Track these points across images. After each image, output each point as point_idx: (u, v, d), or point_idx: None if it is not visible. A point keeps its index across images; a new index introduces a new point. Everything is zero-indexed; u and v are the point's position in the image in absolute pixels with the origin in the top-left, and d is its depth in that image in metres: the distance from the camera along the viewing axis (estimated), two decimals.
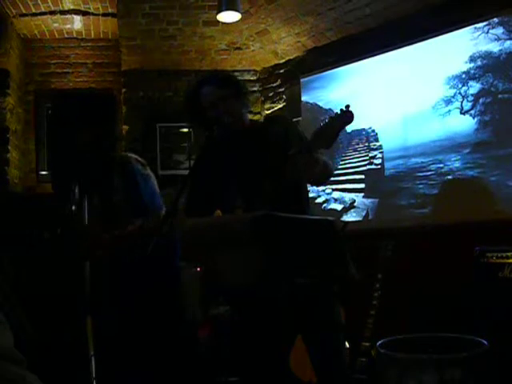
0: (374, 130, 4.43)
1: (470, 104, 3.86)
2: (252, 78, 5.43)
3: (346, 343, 3.62)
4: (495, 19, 3.73)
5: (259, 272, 1.79)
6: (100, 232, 2.81)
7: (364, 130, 4.47)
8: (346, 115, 1.94)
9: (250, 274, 1.82)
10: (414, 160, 4.15)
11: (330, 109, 4.66)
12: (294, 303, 2.17)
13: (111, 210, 2.94)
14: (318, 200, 4.67)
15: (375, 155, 4.39)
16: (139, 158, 3.07)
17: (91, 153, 2.96)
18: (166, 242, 2.67)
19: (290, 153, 2.03)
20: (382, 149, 4.37)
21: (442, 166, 3.98)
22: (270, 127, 2.41)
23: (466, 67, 3.88)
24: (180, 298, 3.05)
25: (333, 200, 4.61)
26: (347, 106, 1.95)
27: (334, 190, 4.60)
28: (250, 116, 2.59)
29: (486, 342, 2.33)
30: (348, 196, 4.55)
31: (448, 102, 3.97)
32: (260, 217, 1.76)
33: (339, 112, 1.94)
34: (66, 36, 5.28)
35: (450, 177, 3.93)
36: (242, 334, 2.50)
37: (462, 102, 3.90)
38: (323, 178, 2.38)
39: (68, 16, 4.87)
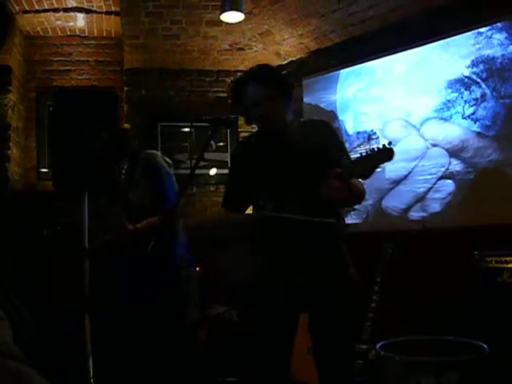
0: (375, 133, 4.44)
1: (471, 108, 3.86)
2: None
3: None
4: (498, 24, 3.73)
5: (260, 272, 1.79)
6: (125, 222, 2.84)
7: (365, 132, 4.47)
8: (388, 153, 1.95)
9: (251, 273, 1.83)
10: (414, 163, 4.15)
11: (331, 111, 4.66)
12: (292, 302, 2.17)
13: (131, 207, 2.97)
14: None
15: None
16: (165, 157, 3.10)
17: (108, 152, 3.00)
18: (166, 242, 2.68)
19: (328, 174, 2.02)
20: None
21: (442, 169, 3.98)
22: (311, 131, 2.36)
23: (468, 71, 3.88)
24: (180, 298, 3.06)
25: None
26: (389, 143, 1.95)
27: None
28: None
29: (486, 346, 2.33)
30: None
31: (450, 106, 3.98)
32: (261, 217, 1.76)
33: (382, 147, 1.95)
34: (68, 34, 5.27)
35: (450, 181, 3.93)
36: (240, 334, 2.51)
37: (463, 107, 3.90)
38: (351, 205, 2.37)
39: (71, 13, 4.87)
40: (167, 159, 3.10)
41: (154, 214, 2.85)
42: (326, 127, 2.40)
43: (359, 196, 2.24)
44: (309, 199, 2.06)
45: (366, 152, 1.96)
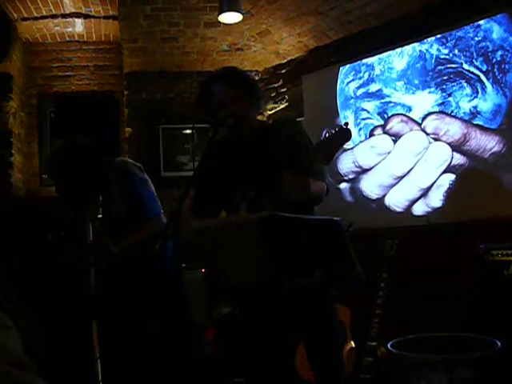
0: (376, 129, 4.43)
1: (472, 102, 3.85)
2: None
3: (352, 343, 3.62)
4: (498, 16, 3.72)
5: (264, 272, 1.79)
6: (108, 244, 2.77)
7: (367, 128, 4.46)
8: (345, 133, 1.95)
9: (255, 274, 1.82)
10: (417, 158, 4.14)
11: (332, 108, 4.65)
12: (297, 302, 2.17)
13: (112, 218, 2.90)
14: None
15: (379, 153, 4.39)
16: (135, 163, 3.00)
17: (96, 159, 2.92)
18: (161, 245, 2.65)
19: (286, 172, 2.01)
20: (386, 146, 4.36)
21: (445, 164, 3.97)
22: (277, 131, 2.39)
23: (468, 65, 3.87)
24: (185, 300, 3.04)
25: (337, 199, 4.60)
26: (346, 124, 1.95)
27: (338, 188, 4.59)
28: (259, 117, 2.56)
29: (498, 343, 2.30)
30: (353, 195, 4.55)
31: (450, 99, 3.97)
32: (266, 217, 1.76)
33: (338, 129, 1.95)
34: (67, 39, 5.28)
35: (454, 174, 3.92)
36: (246, 334, 2.50)
37: (464, 100, 3.89)
38: (314, 202, 2.33)
39: (69, 19, 4.88)
40: (138, 164, 3.00)
41: (135, 224, 2.81)
42: (293, 126, 2.40)
43: (316, 193, 2.21)
44: (279, 189, 2.06)
45: (324, 137, 1.96)
